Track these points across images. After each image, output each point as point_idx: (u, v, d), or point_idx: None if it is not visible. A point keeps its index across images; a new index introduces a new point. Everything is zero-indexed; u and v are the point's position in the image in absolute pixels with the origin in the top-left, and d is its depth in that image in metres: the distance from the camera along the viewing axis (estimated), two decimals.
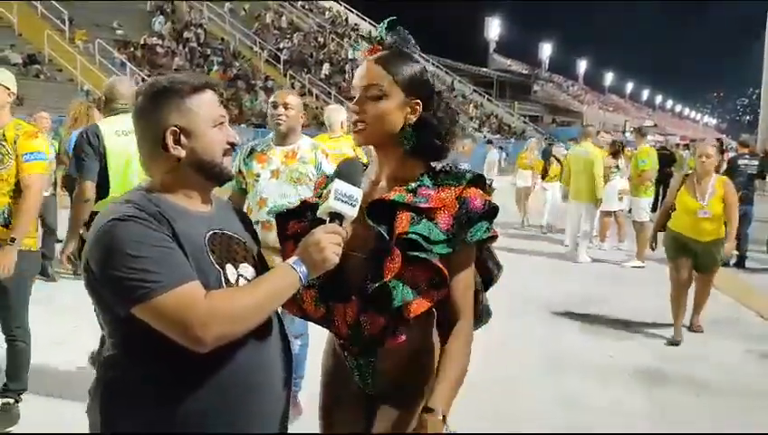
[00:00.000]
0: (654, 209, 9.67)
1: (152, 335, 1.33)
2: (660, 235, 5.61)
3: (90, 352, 4.00)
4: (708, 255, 5.24)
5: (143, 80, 21.66)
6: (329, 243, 1.43)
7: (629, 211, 9.24)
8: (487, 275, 1.73)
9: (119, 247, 1.31)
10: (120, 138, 3.78)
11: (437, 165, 1.63)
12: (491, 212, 1.54)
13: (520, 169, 11.80)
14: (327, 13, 43.88)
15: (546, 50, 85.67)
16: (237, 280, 1.48)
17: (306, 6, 42.55)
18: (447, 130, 1.62)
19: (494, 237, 1.55)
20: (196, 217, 1.49)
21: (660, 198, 13.09)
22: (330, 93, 29.48)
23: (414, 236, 1.47)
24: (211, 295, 1.34)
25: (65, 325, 4.89)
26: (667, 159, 13.32)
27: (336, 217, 1.47)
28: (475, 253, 1.61)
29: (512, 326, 5.30)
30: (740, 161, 8.87)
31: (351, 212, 1.48)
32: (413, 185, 1.57)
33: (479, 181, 1.57)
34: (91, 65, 21.16)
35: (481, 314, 1.74)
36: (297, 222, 1.65)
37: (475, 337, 1.64)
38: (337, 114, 5.94)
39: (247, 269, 1.53)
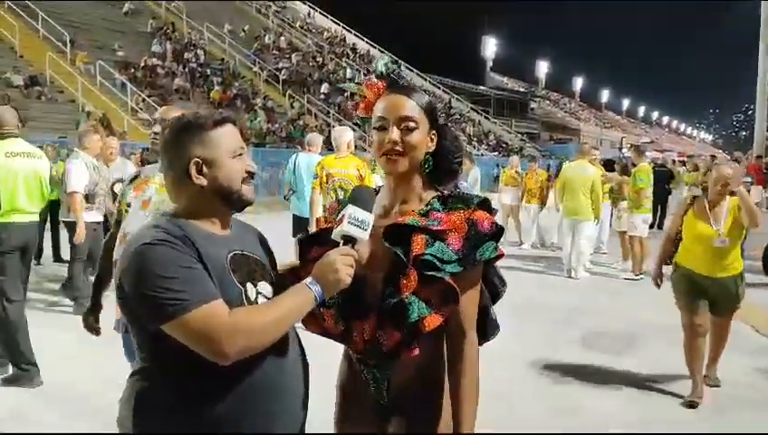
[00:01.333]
0: (652, 226, 9.79)
1: (180, 349, 1.44)
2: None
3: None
4: (726, 294, 4.41)
5: (143, 100, 21.90)
6: (342, 264, 1.53)
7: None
8: (493, 290, 1.86)
9: (150, 269, 1.43)
10: (8, 159, 4.32)
11: (445, 190, 1.76)
12: (497, 233, 1.66)
13: (505, 185, 11.90)
14: (325, 33, 44.33)
15: (543, 67, 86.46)
16: (257, 297, 1.60)
17: (305, 27, 43.01)
18: (460, 157, 1.78)
19: (500, 256, 1.66)
20: (218, 239, 1.60)
21: (659, 214, 13.29)
22: (329, 113, 29.72)
23: (429, 258, 1.59)
24: (234, 312, 1.46)
25: (81, 346, 4.94)
26: (665, 176, 13.48)
27: (349, 240, 1.59)
28: (482, 270, 1.73)
29: (510, 338, 5.38)
30: None
31: (363, 235, 1.59)
32: (425, 209, 1.70)
33: (485, 204, 1.70)
34: (92, 86, 21.34)
35: (489, 328, 1.85)
36: (319, 247, 1.73)
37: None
38: (344, 135, 6.08)
39: (266, 287, 1.64)
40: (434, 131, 1.74)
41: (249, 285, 1.59)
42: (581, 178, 8.49)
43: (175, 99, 23.41)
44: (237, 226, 1.75)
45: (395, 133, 1.66)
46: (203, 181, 1.59)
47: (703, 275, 4.38)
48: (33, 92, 20.31)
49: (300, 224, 6.67)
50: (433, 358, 1.71)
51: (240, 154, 1.64)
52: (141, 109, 21.68)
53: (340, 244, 1.59)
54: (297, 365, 1.68)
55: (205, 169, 1.59)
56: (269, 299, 1.61)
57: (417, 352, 1.62)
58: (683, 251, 4.52)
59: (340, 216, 1.63)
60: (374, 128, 1.71)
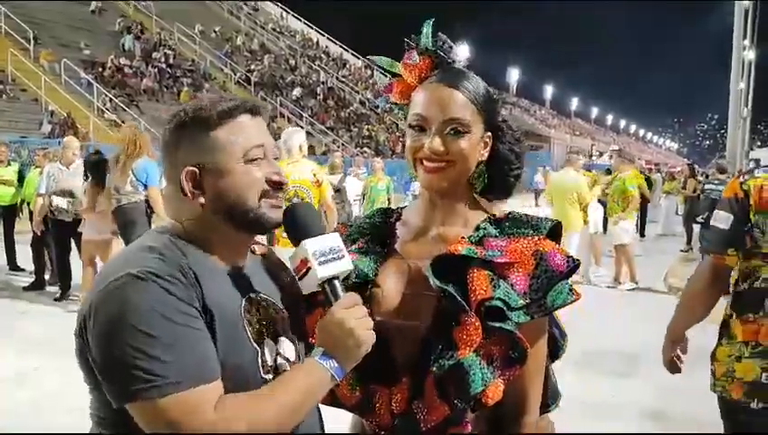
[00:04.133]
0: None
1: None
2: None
3: None
4: None
5: (110, 100, 21.23)
6: (355, 321, 1.11)
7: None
8: (552, 345, 1.39)
9: (127, 318, 1.00)
10: None
11: (494, 211, 1.33)
12: (572, 271, 1.21)
13: None
14: (297, 36, 43.88)
15: (513, 75, 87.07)
16: (276, 361, 1.17)
17: (277, 29, 42.53)
18: (519, 165, 1.33)
19: (574, 301, 1.22)
20: (229, 277, 1.17)
21: (638, 222, 13.18)
22: (301, 116, 29.31)
23: (498, 303, 1.16)
24: (223, 404, 1.03)
25: (28, 362, 4.55)
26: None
27: (329, 284, 1.15)
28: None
29: None
30: (707, 186, 8.99)
31: (345, 266, 1.17)
32: (476, 235, 1.26)
33: (556, 231, 1.26)
34: (56, 85, 20.62)
35: (549, 396, 1.42)
36: None
37: None
38: (295, 137, 5.62)
39: (287, 346, 1.21)
40: (489, 133, 1.28)
41: (269, 343, 1.15)
42: (569, 187, 8.25)
43: (143, 99, 22.81)
44: (251, 256, 1.28)
45: (437, 141, 1.21)
46: (200, 198, 1.14)
47: None
48: None
49: None
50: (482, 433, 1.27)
51: (257, 157, 1.16)
52: (108, 109, 21.02)
53: (329, 293, 1.14)
54: None
55: (205, 179, 1.14)
56: (290, 363, 1.19)
57: (469, 429, 1.20)
58: None
59: (297, 261, 1.16)
60: (410, 125, 1.25)
